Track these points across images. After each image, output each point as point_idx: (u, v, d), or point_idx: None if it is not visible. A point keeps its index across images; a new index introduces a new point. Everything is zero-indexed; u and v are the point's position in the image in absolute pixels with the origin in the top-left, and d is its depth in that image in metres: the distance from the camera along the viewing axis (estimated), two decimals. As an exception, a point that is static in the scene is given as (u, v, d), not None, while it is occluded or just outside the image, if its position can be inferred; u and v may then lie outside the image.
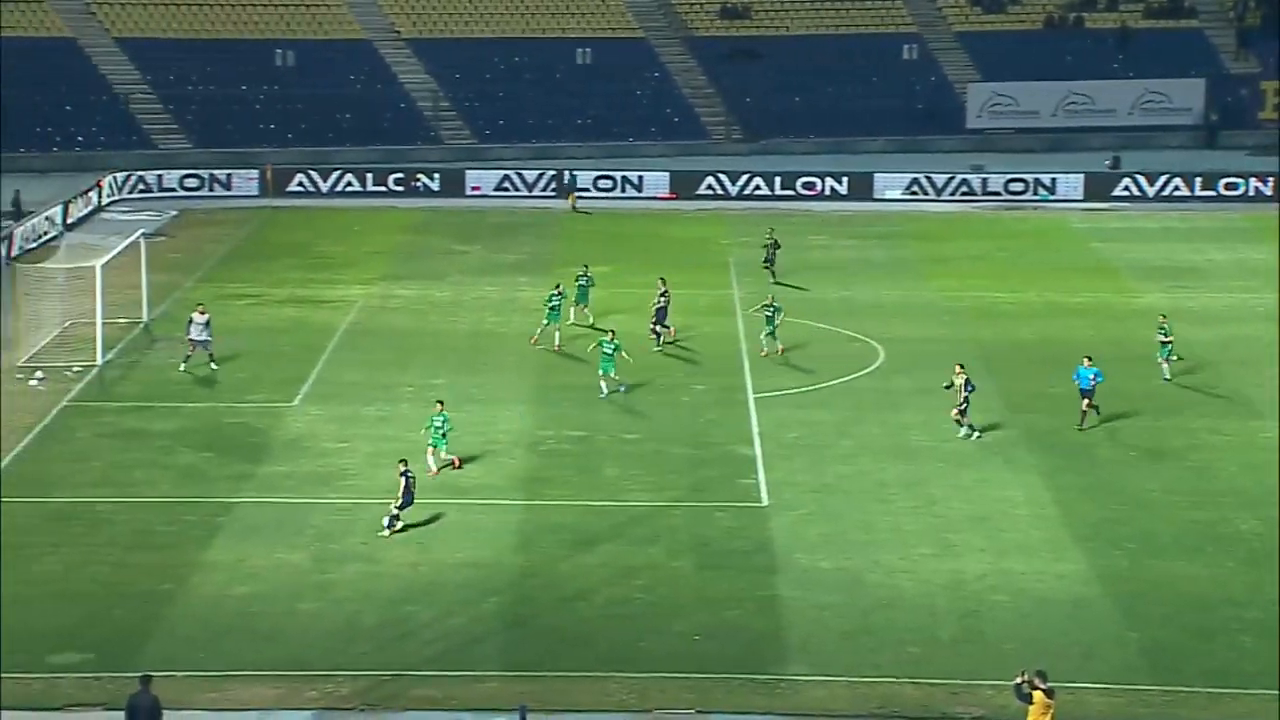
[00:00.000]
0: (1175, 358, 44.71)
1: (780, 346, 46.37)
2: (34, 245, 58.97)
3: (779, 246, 55.99)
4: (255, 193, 71.15)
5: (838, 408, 42.51)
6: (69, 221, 63.45)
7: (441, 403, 37.89)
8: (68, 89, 78.26)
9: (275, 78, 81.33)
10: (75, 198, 65.73)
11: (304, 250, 61.38)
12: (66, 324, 47.92)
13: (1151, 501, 36.19)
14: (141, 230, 53.80)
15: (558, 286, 48.41)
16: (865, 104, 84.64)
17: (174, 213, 68.10)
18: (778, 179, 72.68)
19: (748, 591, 31.37)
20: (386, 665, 28.15)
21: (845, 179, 72.90)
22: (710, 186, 72.63)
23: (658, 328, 47.49)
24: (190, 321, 45.00)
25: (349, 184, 72.25)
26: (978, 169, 74.44)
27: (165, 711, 24.90)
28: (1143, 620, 30.36)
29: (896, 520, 35.05)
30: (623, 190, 72.79)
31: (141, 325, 49.22)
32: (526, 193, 72.37)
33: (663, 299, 47.98)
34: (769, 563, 32.74)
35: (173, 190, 71.40)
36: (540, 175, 72.97)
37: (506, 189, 72.53)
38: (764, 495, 36.33)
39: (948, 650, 29.27)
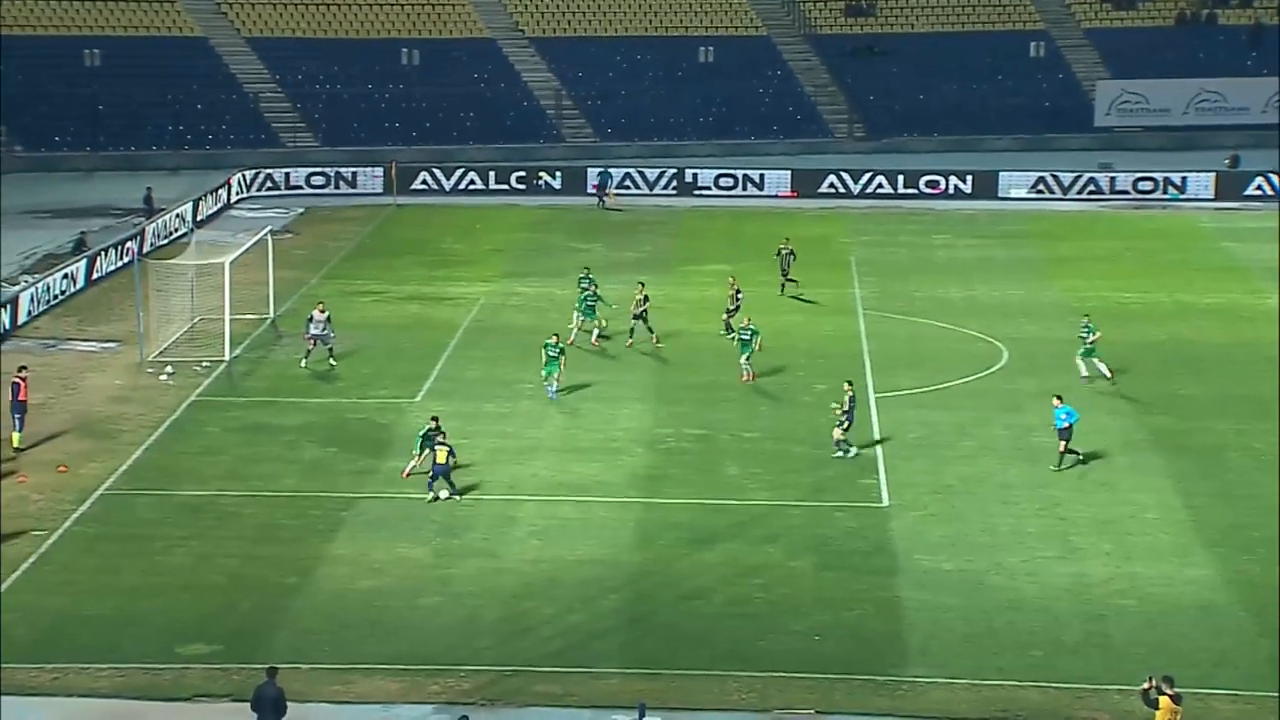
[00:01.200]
0: (1092, 356, 44.18)
1: (753, 372, 43.38)
2: (165, 242, 60.08)
3: (794, 256, 53.82)
4: (379, 190, 71.94)
5: (960, 408, 42.15)
6: (199, 219, 64.57)
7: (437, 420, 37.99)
8: (199, 88, 79.63)
9: (400, 77, 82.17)
10: (205, 195, 66.88)
11: (427, 248, 61.95)
12: (195, 320, 48.76)
13: (1283, 507, 35.49)
14: (269, 227, 54.62)
15: (590, 282, 48.21)
16: (991, 102, 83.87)
17: (300, 210, 69.03)
18: (900, 177, 72.17)
19: (868, 592, 31.19)
20: (507, 661, 28.32)
21: (969, 178, 72.24)
22: (832, 185, 72.30)
23: (729, 320, 47.53)
24: (310, 319, 45.64)
25: (471, 182, 72.80)
26: (1106, 167, 73.41)
27: (290, 703, 25.24)
28: (1273, 627, 29.77)
29: (1019, 522, 34.68)
30: (744, 189, 72.70)
31: (268, 321, 49.95)
32: (648, 191, 72.50)
33: (736, 299, 47.75)
34: (890, 564, 32.54)
35: (299, 188, 72.40)
36: (661, 173, 73.08)
37: (627, 187, 72.69)
38: (885, 496, 36.13)
39: (1072, 654, 28.92)
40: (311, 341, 45.35)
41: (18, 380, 38.97)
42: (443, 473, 35.34)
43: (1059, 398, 37.89)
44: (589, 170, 72.96)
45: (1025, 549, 33.23)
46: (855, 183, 72.20)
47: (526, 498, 35.83)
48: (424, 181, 72.57)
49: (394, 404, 42.21)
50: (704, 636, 29.37)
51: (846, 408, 38.33)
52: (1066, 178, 72.28)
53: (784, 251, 53.83)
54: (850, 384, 39.05)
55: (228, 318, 46.26)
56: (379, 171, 72.59)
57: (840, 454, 38.15)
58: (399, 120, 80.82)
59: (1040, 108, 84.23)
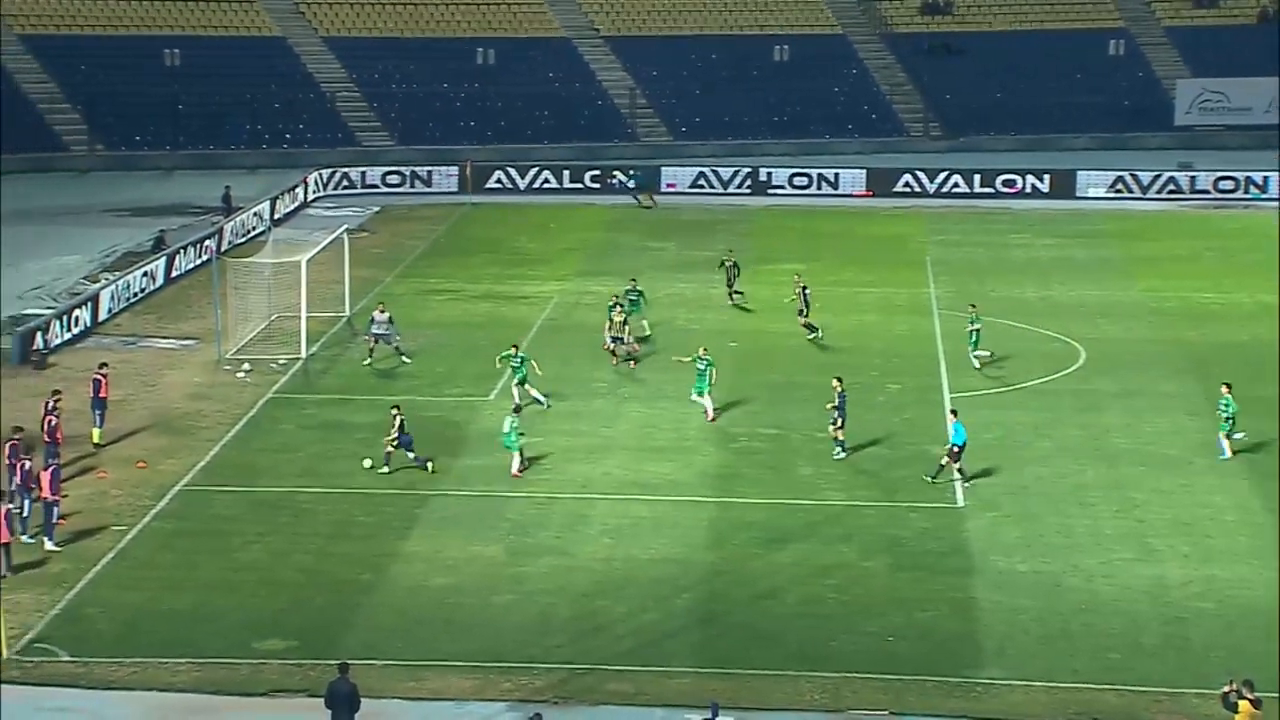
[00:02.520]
0: (984, 350, 44.69)
1: (710, 410, 41.00)
2: (243, 240, 60.63)
3: (738, 269, 52.50)
4: (454, 189, 72.26)
5: (1036, 408, 41.87)
6: (276, 217, 65.09)
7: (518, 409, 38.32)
8: (277, 87, 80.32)
9: (476, 76, 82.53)
10: (282, 194, 67.44)
11: (501, 246, 62.19)
12: (273, 317, 49.18)
13: (1366, 510, 35.03)
14: (345, 226, 55.01)
15: (637, 295, 47.96)
16: (1069, 100, 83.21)
17: (376, 209, 69.46)
18: (977, 176, 71.74)
19: (942, 593, 31.04)
20: (579, 659, 28.38)
21: (1047, 177, 71.70)
22: (907, 184, 71.96)
23: (806, 323, 47.55)
24: (371, 320, 45.99)
25: (546, 181, 73.00)
26: (1185, 167, 72.64)
27: (363, 699, 25.40)
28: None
29: (1096, 524, 34.41)
30: (818, 188, 72.48)
31: (344, 319, 50.31)
32: (721, 190, 72.45)
33: (804, 297, 47.62)
34: (964, 564, 32.36)
35: (375, 187, 72.84)
36: (735, 172, 73.00)
37: (701, 186, 72.67)
38: (959, 496, 35.93)
39: (1150, 657, 28.66)
40: (373, 340, 45.67)
41: (99, 377, 39.46)
42: (407, 443, 36.36)
43: (954, 412, 37.09)
44: (662, 170, 72.98)
45: (1102, 550, 32.96)
46: (931, 182, 71.83)
47: (599, 496, 35.89)
48: (498, 180, 72.85)
49: (467, 402, 42.38)
50: (777, 636, 29.32)
51: (837, 404, 37.94)
52: (1146, 177, 71.58)
53: (727, 264, 52.54)
54: (839, 380, 38.37)
55: (304, 316, 46.62)
56: (454, 170, 72.95)
57: (840, 453, 37.81)
58: (474, 119, 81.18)
59: (1119, 106, 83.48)
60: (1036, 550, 32.96)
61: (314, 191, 71.02)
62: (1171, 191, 71.13)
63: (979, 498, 35.72)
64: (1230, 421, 37.83)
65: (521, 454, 37.00)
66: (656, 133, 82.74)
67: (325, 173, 72.50)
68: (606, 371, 44.95)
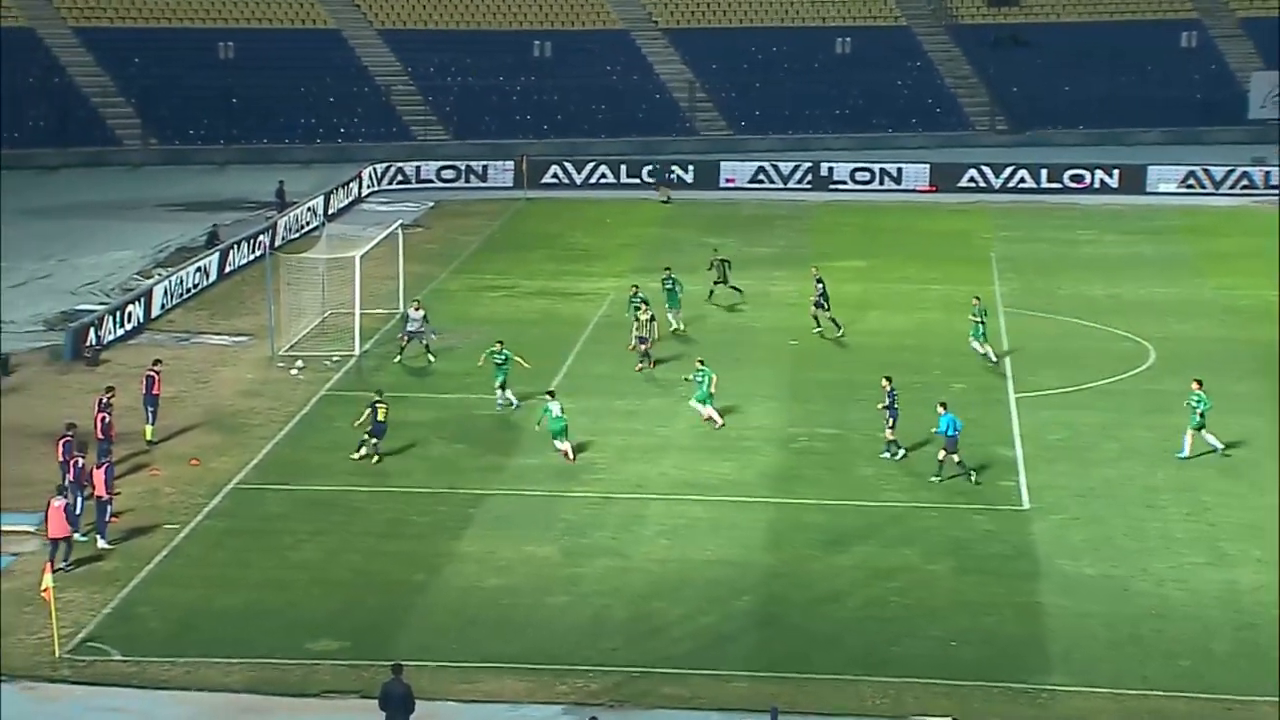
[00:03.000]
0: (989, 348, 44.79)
1: (716, 417, 40.72)
2: (296, 235, 60.94)
3: (729, 264, 51.96)
4: (510, 184, 72.43)
5: (1104, 409, 41.56)
6: (330, 212, 65.44)
7: (551, 393, 38.35)
8: (331, 81, 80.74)
9: (532, 69, 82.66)
10: (336, 189, 67.79)
11: (557, 242, 62.27)
12: (326, 313, 49.42)
13: None
14: (399, 221, 55.22)
15: (674, 282, 48.19)
16: (1139, 93, 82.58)
17: (431, 204, 69.71)
18: (1044, 171, 71.33)
19: (1007, 597, 30.86)
20: (635, 662, 28.36)
21: (1116, 172, 71.21)
22: (972, 179, 71.64)
23: (818, 314, 47.70)
24: (406, 317, 46.17)
25: (603, 175, 73.06)
26: (1259, 161, 71.95)
27: (418, 701, 25.47)
28: None
29: (1166, 527, 34.12)
30: (880, 182, 72.23)
31: (398, 316, 50.47)
32: (781, 185, 72.30)
33: (819, 289, 47.61)
34: (1030, 568, 32.16)
35: (430, 181, 73.12)
36: (795, 167, 72.84)
37: (761, 181, 72.55)
38: (1025, 498, 35.72)
39: (1222, 664, 28.39)
40: (405, 339, 45.94)
41: (151, 374, 39.73)
42: (379, 432, 37.30)
43: (943, 404, 36.80)
44: (721, 165, 72.90)
45: (1172, 554, 32.68)
46: (996, 177, 71.46)
47: (655, 496, 35.87)
48: (554, 175, 72.95)
49: (522, 400, 42.42)
50: (837, 640, 29.22)
51: (888, 404, 37.80)
52: (1218, 172, 70.96)
53: (716, 260, 51.90)
54: (889, 379, 38.29)
55: (358, 312, 46.81)
56: (509, 165, 73.08)
57: (887, 455, 37.62)
58: (530, 113, 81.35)
59: (1191, 99, 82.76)
60: (1104, 554, 32.72)
61: (368, 186, 71.34)
62: (1245, 187, 70.51)
63: (1045, 500, 35.48)
64: (1202, 418, 37.53)
65: (566, 436, 37.25)
66: (715, 126, 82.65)
67: (380, 167, 72.84)
68: (662, 368, 44.90)
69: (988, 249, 60.42)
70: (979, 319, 45.19)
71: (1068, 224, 64.61)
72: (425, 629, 29.69)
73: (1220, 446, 37.66)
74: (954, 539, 33.59)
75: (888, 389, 37.91)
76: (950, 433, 36.10)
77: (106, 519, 33.10)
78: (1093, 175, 71.19)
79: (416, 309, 46.28)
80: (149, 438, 39.04)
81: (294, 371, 44.96)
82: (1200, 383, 37.93)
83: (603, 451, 38.46)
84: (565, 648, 28.88)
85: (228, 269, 56.15)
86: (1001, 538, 33.65)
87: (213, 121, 78.87)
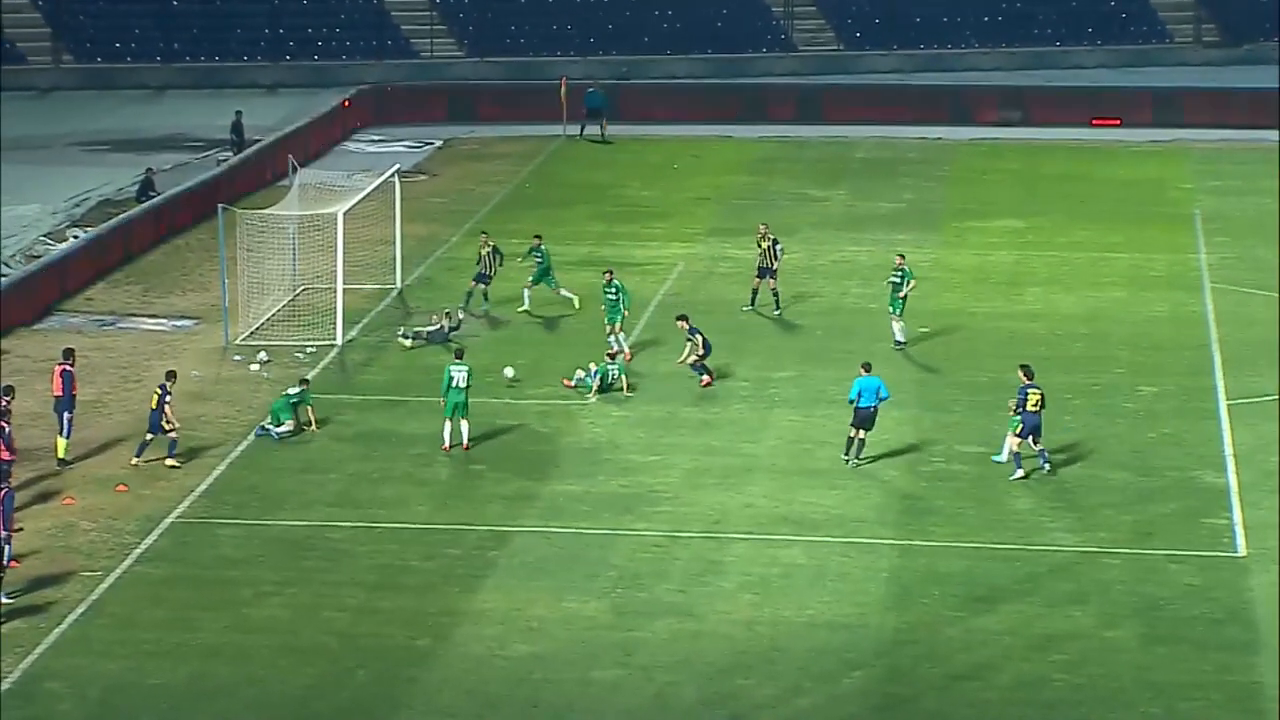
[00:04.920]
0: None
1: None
2: (259, 186, 61.25)
3: (779, 244, 50.44)
4: (543, 117, 72.48)
5: (1348, 421, 41.45)
6: (304, 156, 65.75)
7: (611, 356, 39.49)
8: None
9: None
10: (312, 123, 68.12)
11: (606, 195, 62.43)
12: (298, 290, 49.70)
13: None
14: (395, 166, 55.44)
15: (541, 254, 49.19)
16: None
17: (437, 143, 70.00)
18: (1267, 100, 71.00)
19: (1215, 675, 30.83)
20: (711, 758, 28.55)
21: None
22: (1169, 110, 71.41)
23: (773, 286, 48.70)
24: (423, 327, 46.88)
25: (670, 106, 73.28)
26: None
27: (418, 807, 25.65)
28: None
29: None
30: (1042, 115, 72.10)
31: (394, 293, 50.69)
32: (909, 119, 72.24)
33: (773, 254, 48.57)
34: (1247, 637, 32.10)
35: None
36: (928, 94, 72.95)
37: (880, 114, 72.57)
38: (1240, 542, 35.67)
39: None
40: (417, 340, 46.38)
41: (66, 369, 39.99)
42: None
43: (866, 366, 38.51)
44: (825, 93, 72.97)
45: None
46: (1202, 107, 71.19)
47: (738, 536, 35.95)
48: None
49: (560, 406, 42.55)
50: (982, 732, 29.30)
51: (1017, 406, 37.99)
52: None
53: (764, 243, 49.78)
54: (1025, 370, 38.71)
55: (340, 288, 47.04)
56: (543, 90, 73.20)
57: (1020, 473, 37.90)
58: (570, 22, 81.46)
59: None
60: (1346, 618, 32.63)
61: (354, 120, 71.71)
62: None
63: (1266, 544, 35.36)
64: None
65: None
66: (821, 40, 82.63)
67: (370, 93, 73.20)
68: (748, 365, 44.97)
69: (1189, 204, 60.26)
70: (900, 283, 45.56)
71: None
72: (429, 711, 29.85)
73: (1004, 457, 38.43)
74: (1142, 596, 33.57)
75: (1026, 384, 38.08)
76: (864, 404, 37.27)
77: (4, 564, 33.35)
78: (1334, 105, 70.97)
79: (446, 317, 46.76)
80: (61, 455, 39.34)
81: (255, 367, 45.24)
82: (1028, 373, 38.44)
83: (667, 475, 38.54)
84: (617, 739, 29.07)
85: (166, 230, 56.54)
86: (1208, 595, 33.60)
87: (145, 33, 79.45)
